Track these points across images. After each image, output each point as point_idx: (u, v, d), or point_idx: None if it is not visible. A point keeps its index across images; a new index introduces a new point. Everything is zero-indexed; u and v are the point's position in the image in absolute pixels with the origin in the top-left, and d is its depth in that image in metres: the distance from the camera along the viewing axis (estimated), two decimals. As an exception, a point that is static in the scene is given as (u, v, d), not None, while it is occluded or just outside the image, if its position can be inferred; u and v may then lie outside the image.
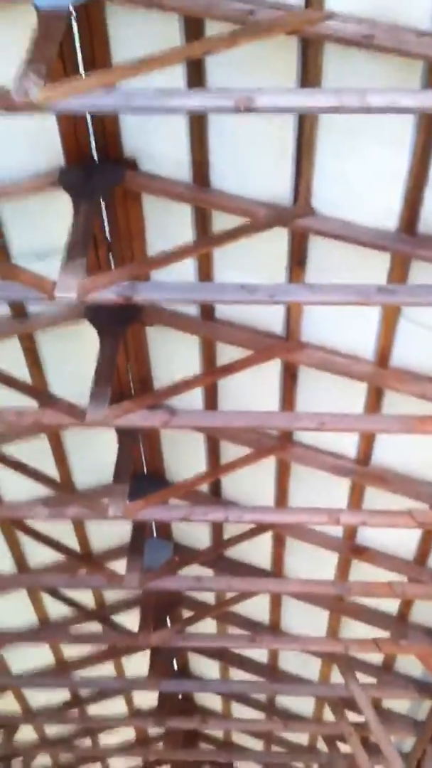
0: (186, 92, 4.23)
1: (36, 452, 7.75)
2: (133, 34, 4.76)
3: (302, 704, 10.97)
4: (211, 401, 7.24)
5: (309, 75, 4.53)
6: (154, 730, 12.46)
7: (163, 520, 8.72)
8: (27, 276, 5.19)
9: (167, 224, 5.94)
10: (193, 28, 4.57)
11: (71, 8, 4.57)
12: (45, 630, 10.00)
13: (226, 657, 10.72)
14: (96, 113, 5.12)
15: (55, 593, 9.08)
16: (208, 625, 10.01)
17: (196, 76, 4.78)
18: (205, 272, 6.12)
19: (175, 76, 4.75)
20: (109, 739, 12.56)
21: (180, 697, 11.79)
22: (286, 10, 4.31)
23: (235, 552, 8.94)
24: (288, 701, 11.13)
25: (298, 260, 5.72)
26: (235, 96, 3.99)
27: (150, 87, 4.17)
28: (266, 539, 8.50)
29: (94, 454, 8.07)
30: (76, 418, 6.26)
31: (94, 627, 9.76)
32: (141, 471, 8.57)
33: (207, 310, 6.60)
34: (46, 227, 6.00)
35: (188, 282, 5.98)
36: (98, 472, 8.15)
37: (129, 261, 6.15)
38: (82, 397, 6.43)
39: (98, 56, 4.85)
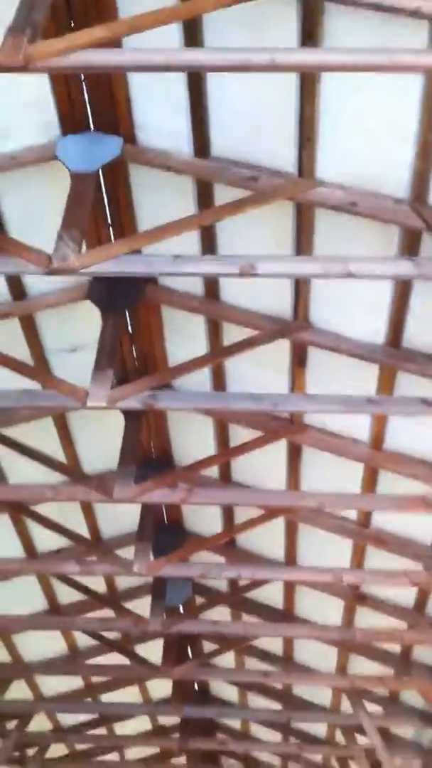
0: (198, 258, 4.95)
1: (65, 507, 8.50)
2: (154, 190, 5.52)
3: (316, 727, 11.73)
4: (226, 474, 7.97)
5: (302, 235, 5.28)
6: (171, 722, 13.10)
7: (183, 576, 9.39)
8: (64, 386, 5.92)
9: (183, 330, 6.70)
10: (204, 190, 5.33)
11: (99, 170, 5.34)
12: (73, 659, 10.78)
13: (244, 683, 11.46)
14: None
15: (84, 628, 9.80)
16: (227, 656, 10.76)
17: (208, 236, 5.56)
18: (218, 371, 6.87)
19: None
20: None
21: (201, 715, 12.56)
22: (283, 176, 5.06)
23: (252, 594, 9.65)
24: (303, 724, 11.86)
25: (298, 362, 6.46)
26: (239, 263, 4.73)
27: (168, 250, 4.94)
28: (279, 585, 9.24)
29: (119, 510, 8.76)
30: (105, 493, 6.94)
31: (120, 657, 10.48)
32: (162, 521, 9.33)
33: (220, 395, 7.31)
34: (75, 328, 6.77)
35: (202, 392, 6.74)
36: (122, 522, 8.93)
37: (152, 360, 6.91)
38: (110, 464, 7.15)
39: (123, 209, 5.63)
